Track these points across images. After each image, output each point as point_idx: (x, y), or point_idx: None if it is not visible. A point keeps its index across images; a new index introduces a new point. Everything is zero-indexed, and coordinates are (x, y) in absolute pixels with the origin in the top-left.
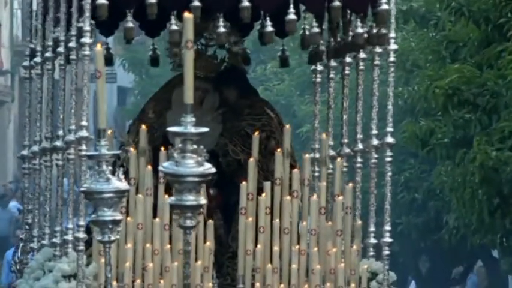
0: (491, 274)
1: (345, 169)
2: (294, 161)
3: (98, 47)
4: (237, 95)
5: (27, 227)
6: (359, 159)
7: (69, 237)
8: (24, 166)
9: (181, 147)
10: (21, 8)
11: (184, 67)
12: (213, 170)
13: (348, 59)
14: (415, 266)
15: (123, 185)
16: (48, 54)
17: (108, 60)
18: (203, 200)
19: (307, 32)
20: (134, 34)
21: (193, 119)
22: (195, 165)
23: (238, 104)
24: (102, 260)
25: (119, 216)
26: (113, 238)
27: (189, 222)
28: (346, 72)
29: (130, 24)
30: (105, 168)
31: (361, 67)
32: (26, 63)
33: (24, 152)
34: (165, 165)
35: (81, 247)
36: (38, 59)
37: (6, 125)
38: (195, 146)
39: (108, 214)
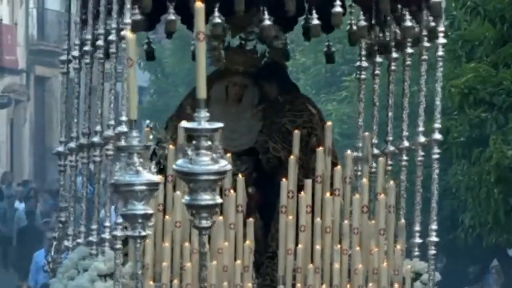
0: (506, 273)
1: (389, 167)
2: (335, 158)
3: (129, 34)
4: (278, 90)
5: (60, 225)
6: (405, 157)
7: (107, 235)
8: (60, 163)
9: (196, 144)
10: (36, 7)
11: (196, 59)
12: (229, 167)
13: (394, 55)
14: None
15: (154, 177)
16: (86, 48)
17: (150, 54)
18: (219, 199)
19: (354, 27)
20: (176, 27)
21: (207, 114)
22: (210, 162)
23: (279, 100)
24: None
25: (150, 210)
26: (143, 233)
27: (204, 223)
28: (393, 68)
29: (172, 17)
30: (136, 160)
31: (408, 62)
32: (63, 57)
33: (60, 149)
34: (178, 163)
35: (119, 245)
36: (76, 53)
37: (22, 124)
38: (209, 143)
39: (139, 208)
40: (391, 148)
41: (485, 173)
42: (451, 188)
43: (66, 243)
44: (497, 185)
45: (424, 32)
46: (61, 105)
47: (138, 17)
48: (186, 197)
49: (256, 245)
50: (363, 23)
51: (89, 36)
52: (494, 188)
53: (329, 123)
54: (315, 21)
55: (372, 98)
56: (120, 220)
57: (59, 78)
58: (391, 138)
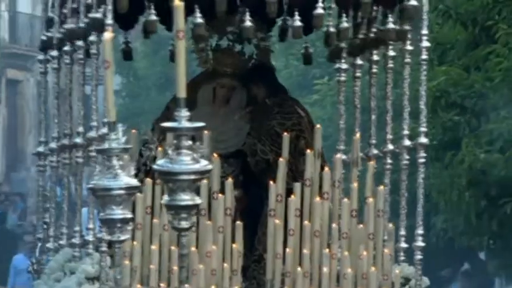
0: (478, 276)
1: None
2: (324, 161)
3: (107, 35)
4: (266, 92)
5: (45, 226)
6: (389, 161)
7: (90, 237)
8: (39, 163)
9: (176, 144)
10: (8, 10)
11: (175, 58)
12: (210, 167)
13: (375, 57)
14: None
15: (133, 181)
16: (66, 48)
17: (128, 54)
18: (198, 200)
19: (331, 29)
20: (156, 28)
21: (188, 114)
22: (191, 162)
23: (267, 103)
24: (127, 262)
25: (129, 215)
26: (122, 238)
27: (184, 224)
28: (374, 70)
29: (153, 17)
30: (115, 164)
31: (390, 65)
32: (41, 57)
33: (41, 149)
34: (159, 163)
35: (104, 248)
36: (54, 53)
37: None
38: (190, 142)
39: (117, 212)
40: (375, 151)
41: (457, 176)
42: (424, 191)
43: (48, 244)
44: (469, 188)
45: (393, 35)
46: (41, 105)
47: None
48: (165, 197)
49: (244, 249)
50: (345, 24)
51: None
52: (466, 191)
53: (318, 126)
54: (297, 23)
55: (352, 101)
56: None
57: (31, 82)
58: (374, 141)
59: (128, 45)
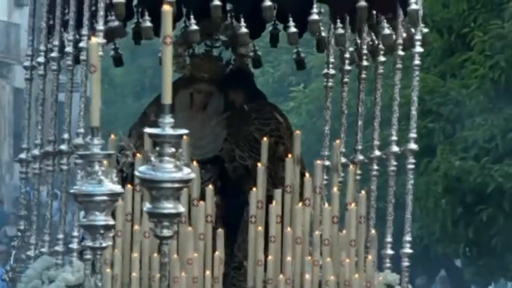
0: (454, 283)
1: (357, 177)
2: (303, 167)
3: (93, 39)
4: (244, 98)
5: (19, 233)
6: (375, 167)
7: (75, 245)
8: (22, 170)
9: (159, 151)
10: None
11: (162, 63)
12: (193, 175)
13: (364, 63)
14: None
15: (116, 187)
16: (53, 54)
17: (118, 60)
18: (181, 208)
19: (323, 34)
20: (152, 34)
21: (172, 120)
22: (174, 170)
23: (245, 108)
24: (108, 270)
25: (111, 221)
26: (104, 244)
27: (165, 232)
28: (363, 76)
29: (148, 24)
30: (98, 169)
31: (380, 70)
32: (27, 64)
33: (23, 156)
34: (141, 170)
35: (88, 256)
36: (41, 59)
37: None
38: (173, 149)
39: (100, 218)
40: (361, 157)
41: (433, 183)
42: (399, 198)
43: (28, 252)
44: (444, 195)
45: (400, 41)
46: (25, 112)
47: (116, 23)
48: (148, 205)
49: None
50: (340, 31)
51: (56, 43)
52: (441, 198)
53: (298, 132)
54: (292, 29)
55: (340, 106)
56: None
57: (6, 89)
58: (360, 147)
59: (117, 51)
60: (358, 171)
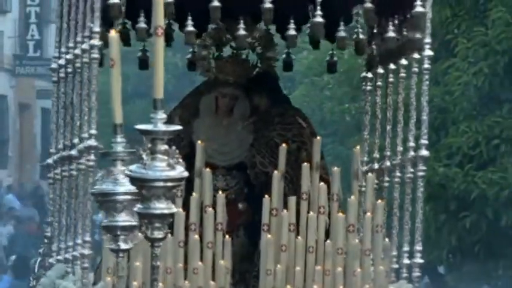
0: None
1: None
2: (326, 174)
3: (113, 33)
4: (268, 102)
5: (46, 240)
6: (398, 174)
7: (77, 253)
8: (49, 175)
9: (151, 148)
10: None
11: (154, 57)
12: (186, 174)
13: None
14: None
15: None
16: (69, 57)
17: (144, 63)
18: (174, 209)
19: (361, 36)
20: (195, 39)
21: (164, 116)
22: (166, 168)
23: (269, 113)
24: (109, 279)
25: (133, 222)
26: (124, 247)
27: (157, 234)
28: (390, 80)
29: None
30: (120, 168)
31: (402, 74)
32: (54, 65)
33: (50, 161)
34: (132, 168)
35: (86, 264)
36: (62, 62)
37: None
38: (166, 146)
39: (120, 219)
40: (388, 163)
41: None
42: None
43: (50, 259)
44: (428, 202)
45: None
46: (53, 116)
47: (142, 25)
48: (138, 205)
49: (246, 264)
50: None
51: (71, 44)
52: (425, 205)
53: (318, 138)
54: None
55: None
56: (87, 238)
57: None
58: (388, 153)
59: (145, 53)
60: (386, 178)
